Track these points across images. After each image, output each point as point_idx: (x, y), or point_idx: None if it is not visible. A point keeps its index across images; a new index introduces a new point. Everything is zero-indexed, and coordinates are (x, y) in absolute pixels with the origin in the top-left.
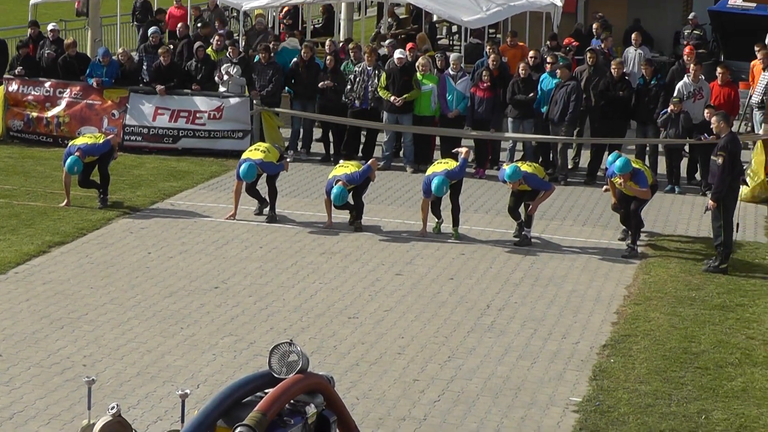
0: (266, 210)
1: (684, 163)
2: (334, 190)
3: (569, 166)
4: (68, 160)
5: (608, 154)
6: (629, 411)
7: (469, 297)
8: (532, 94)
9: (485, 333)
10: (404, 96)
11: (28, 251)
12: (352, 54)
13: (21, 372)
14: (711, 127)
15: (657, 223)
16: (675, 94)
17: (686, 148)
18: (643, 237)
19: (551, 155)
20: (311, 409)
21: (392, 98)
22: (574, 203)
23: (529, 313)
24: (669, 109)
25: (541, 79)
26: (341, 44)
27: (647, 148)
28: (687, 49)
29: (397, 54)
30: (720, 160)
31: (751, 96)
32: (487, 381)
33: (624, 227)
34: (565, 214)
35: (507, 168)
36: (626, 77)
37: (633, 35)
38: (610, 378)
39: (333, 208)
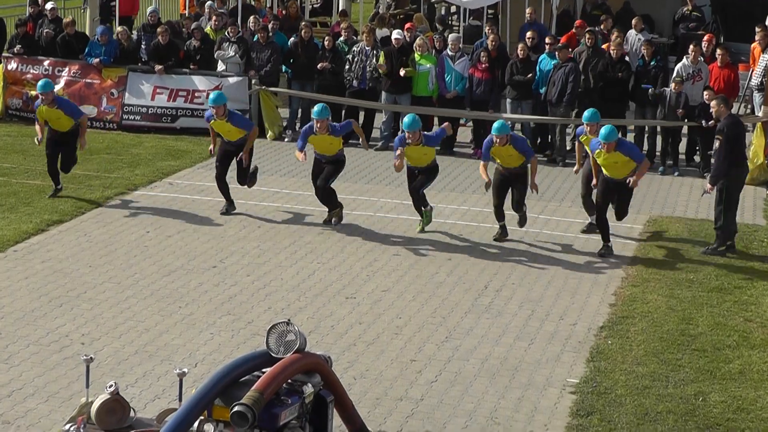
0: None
1: (683, 145)
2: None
3: (567, 147)
4: (41, 82)
5: None
6: (626, 392)
7: (466, 278)
8: (530, 75)
9: (483, 314)
10: (408, 69)
11: (26, 229)
12: (344, 34)
13: (20, 350)
14: (711, 110)
15: (655, 204)
16: (674, 76)
17: (684, 129)
18: (640, 220)
19: (549, 136)
20: (308, 389)
21: (396, 71)
22: (572, 184)
23: (526, 294)
24: (665, 89)
25: (539, 60)
26: (334, 24)
27: (646, 130)
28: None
29: (394, 35)
30: (716, 144)
31: (750, 78)
32: (485, 362)
33: (590, 221)
34: (563, 195)
35: (495, 123)
36: (625, 58)
37: (634, 21)
38: (607, 359)
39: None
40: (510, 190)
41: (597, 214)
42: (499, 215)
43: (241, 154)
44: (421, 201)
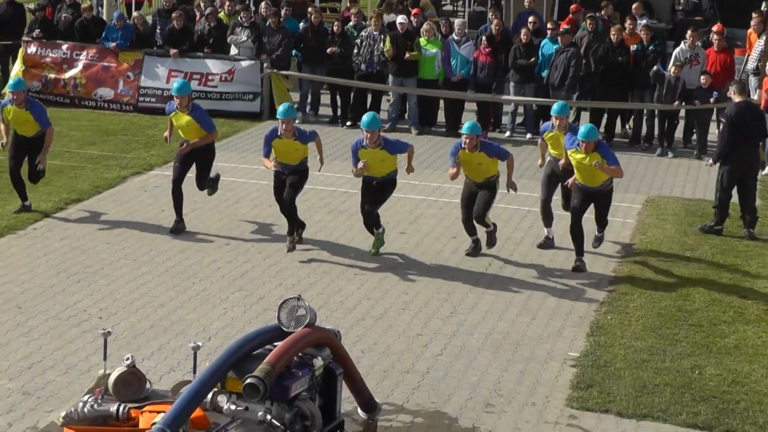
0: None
1: (680, 127)
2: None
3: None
4: (12, 80)
5: (607, 118)
6: (625, 366)
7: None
8: (533, 59)
9: (486, 290)
10: (412, 53)
11: (45, 208)
12: (353, 19)
13: (39, 324)
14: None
15: (653, 185)
16: (672, 60)
17: (682, 113)
18: (638, 200)
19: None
20: (318, 362)
21: (390, 52)
22: None
23: (528, 271)
24: (666, 72)
25: (542, 45)
26: (344, 10)
27: (644, 113)
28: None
29: (399, 20)
30: (721, 126)
31: (746, 62)
32: (488, 336)
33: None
34: None
35: (466, 123)
36: (625, 43)
37: (634, 6)
38: (606, 334)
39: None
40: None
41: (572, 224)
42: (470, 229)
43: (187, 144)
44: (374, 222)
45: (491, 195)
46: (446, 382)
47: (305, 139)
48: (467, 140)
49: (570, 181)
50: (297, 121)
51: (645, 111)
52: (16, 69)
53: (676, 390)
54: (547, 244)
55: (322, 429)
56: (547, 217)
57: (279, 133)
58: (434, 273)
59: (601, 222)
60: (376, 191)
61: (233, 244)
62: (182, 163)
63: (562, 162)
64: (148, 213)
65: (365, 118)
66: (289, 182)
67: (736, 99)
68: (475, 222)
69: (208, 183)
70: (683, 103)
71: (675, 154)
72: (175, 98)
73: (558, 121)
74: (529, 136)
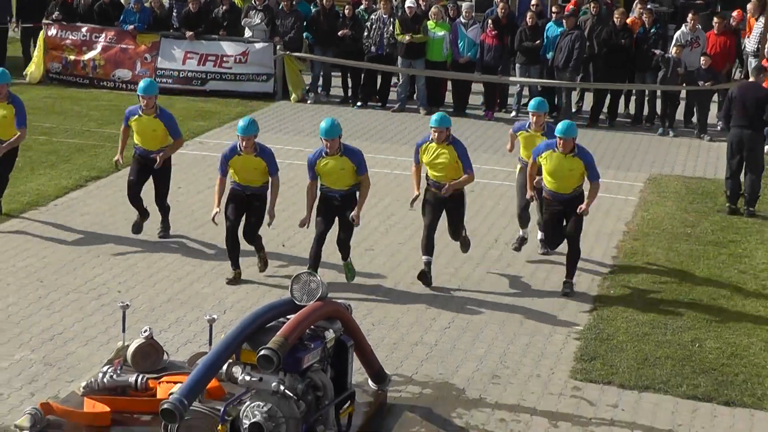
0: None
1: (681, 108)
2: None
3: (573, 110)
4: None
5: (610, 99)
6: (627, 339)
7: (478, 231)
8: (538, 42)
9: (493, 265)
10: (416, 36)
11: (66, 185)
12: (364, 2)
13: (60, 297)
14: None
15: (655, 164)
16: (673, 42)
17: (683, 93)
18: (641, 178)
19: (556, 99)
20: (330, 335)
21: (406, 38)
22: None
23: (533, 247)
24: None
25: (547, 28)
26: None
27: (646, 94)
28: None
29: (408, 3)
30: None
31: (745, 44)
32: (494, 310)
33: (544, 245)
34: None
35: (434, 115)
36: (628, 26)
37: None
38: (609, 308)
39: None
40: (444, 213)
41: (547, 243)
42: (429, 248)
43: (160, 156)
44: (346, 251)
45: (461, 208)
46: (454, 354)
47: (266, 156)
48: (436, 133)
49: (529, 193)
50: (309, 101)
51: (646, 92)
52: (38, 51)
53: (676, 362)
54: (522, 244)
55: (333, 399)
56: (524, 221)
57: (239, 150)
58: (442, 248)
59: (573, 242)
60: (339, 210)
61: None
62: (138, 175)
63: (533, 178)
64: None
65: (323, 124)
66: (254, 216)
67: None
68: (452, 238)
69: (164, 211)
70: (684, 84)
71: (676, 134)
72: (140, 98)
73: (535, 118)
74: None
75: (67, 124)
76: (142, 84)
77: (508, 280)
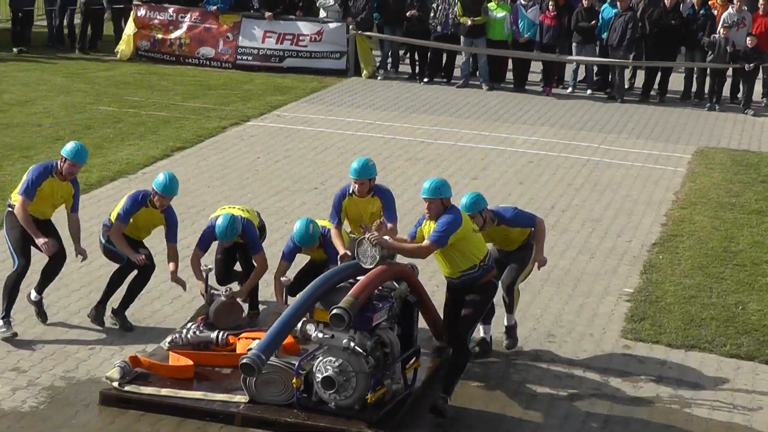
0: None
1: (727, 84)
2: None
3: (625, 86)
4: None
5: (660, 76)
6: (674, 301)
7: (536, 199)
8: (593, 22)
9: (550, 231)
10: (475, 19)
11: (153, 155)
12: None
13: None
14: None
15: (702, 137)
16: (721, 23)
17: (729, 71)
18: (689, 150)
19: (610, 76)
20: (397, 295)
21: (468, 21)
22: (629, 119)
23: (588, 214)
24: (715, 36)
25: (602, 9)
26: None
27: (695, 71)
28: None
29: None
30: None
31: None
32: (551, 273)
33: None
34: (621, 128)
35: (354, 164)
36: (679, 7)
37: None
38: (658, 272)
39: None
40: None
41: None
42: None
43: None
44: None
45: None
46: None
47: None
48: (357, 185)
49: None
50: (379, 77)
51: (695, 69)
52: (128, 30)
53: (721, 323)
54: (484, 348)
55: (400, 355)
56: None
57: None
58: None
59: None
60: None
61: (321, 188)
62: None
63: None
64: (244, 160)
65: (297, 229)
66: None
67: None
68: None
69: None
70: (730, 63)
71: (722, 109)
72: (158, 195)
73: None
74: (589, 92)
75: (154, 98)
76: (161, 180)
77: (564, 245)
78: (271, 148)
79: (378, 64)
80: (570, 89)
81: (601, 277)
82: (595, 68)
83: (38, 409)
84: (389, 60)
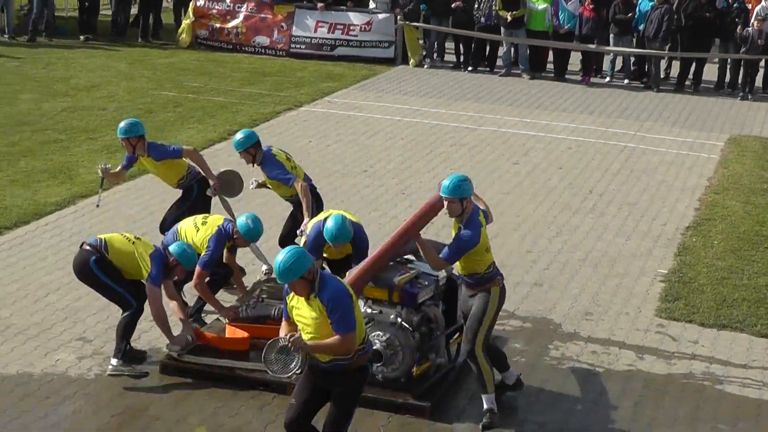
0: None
1: (760, 74)
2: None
3: (661, 76)
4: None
5: (695, 67)
6: (707, 282)
7: (575, 183)
8: (630, 14)
9: (588, 214)
10: (514, 13)
11: (211, 137)
12: None
13: None
14: None
15: (735, 125)
16: (755, 15)
17: (762, 62)
18: (722, 138)
19: (646, 66)
20: (441, 273)
21: (508, 16)
22: (665, 107)
23: (624, 198)
24: (748, 29)
25: (639, 2)
26: None
27: (728, 62)
28: None
29: None
30: None
31: None
32: (589, 254)
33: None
34: (656, 117)
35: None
36: (714, 0)
37: None
38: (691, 254)
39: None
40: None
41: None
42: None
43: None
44: None
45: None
46: (551, 293)
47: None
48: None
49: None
50: (425, 66)
51: (729, 60)
52: (188, 20)
53: (752, 304)
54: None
55: (444, 331)
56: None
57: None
58: (542, 198)
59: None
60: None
61: (370, 170)
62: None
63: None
64: (297, 143)
65: (331, 226)
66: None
67: None
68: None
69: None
70: (763, 54)
71: (755, 98)
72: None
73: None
74: (626, 81)
75: (212, 84)
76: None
77: (601, 228)
78: (322, 132)
79: (425, 53)
80: (608, 78)
81: (636, 259)
82: (632, 59)
83: (102, 376)
84: (435, 49)
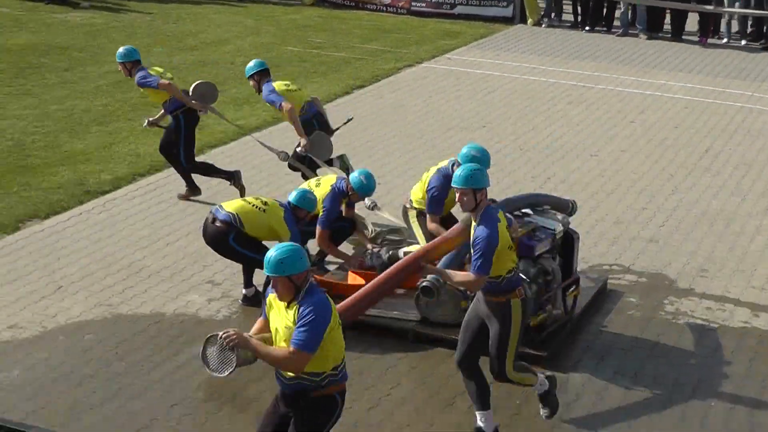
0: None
1: None
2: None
3: None
4: None
5: None
6: None
7: (691, 142)
8: None
9: (704, 173)
10: None
11: (335, 91)
12: None
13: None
14: None
15: None
16: None
17: None
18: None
19: (764, 28)
20: (558, 227)
21: None
22: None
23: (740, 158)
24: None
25: None
26: None
27: None
28: None
29: None
30: None
31: None
32: (704, 212)
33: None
34: None
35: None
36: None
37: None
38: None
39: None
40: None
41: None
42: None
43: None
44: None
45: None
46: (667, 249)
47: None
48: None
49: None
50: (543, 26)
51: None
52: None
53: None
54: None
55: (560, 283)
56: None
57: None
58: (658, 156)
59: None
60: None
61: (488, 126)
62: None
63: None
64: (418, 99)
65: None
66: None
67: None
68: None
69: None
70: None
71: None
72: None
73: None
74: (743, 42)
75: (335, 40)
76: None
77: (717, 186)
78: (442, 89)
79: (543, 12)
80: (725, 39)
81: (752, 218)
82: (750, 20)
83: (230, 318)
84: (553, 9)
